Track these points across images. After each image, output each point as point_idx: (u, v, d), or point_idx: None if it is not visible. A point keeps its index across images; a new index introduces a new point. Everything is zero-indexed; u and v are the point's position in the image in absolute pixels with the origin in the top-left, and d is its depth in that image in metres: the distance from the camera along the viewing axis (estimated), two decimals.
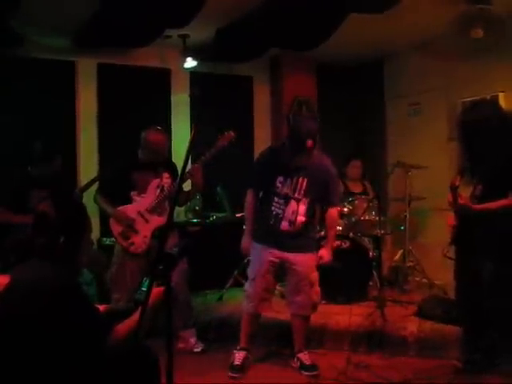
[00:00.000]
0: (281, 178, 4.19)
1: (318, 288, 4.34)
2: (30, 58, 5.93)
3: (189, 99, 6.81)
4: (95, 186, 4.94)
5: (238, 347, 4.37)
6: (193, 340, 4.77)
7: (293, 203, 4.20)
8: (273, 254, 4.23)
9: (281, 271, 4.32)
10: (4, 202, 4.63)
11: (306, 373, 4.30)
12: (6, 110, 5.81)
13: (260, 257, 4.25)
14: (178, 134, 6.72)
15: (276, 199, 4.21)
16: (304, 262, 4.25)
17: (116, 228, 4.55)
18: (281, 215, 4.21)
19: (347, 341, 4.77)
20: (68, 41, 5.85)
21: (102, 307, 2.50)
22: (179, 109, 6.81)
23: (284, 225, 4.21)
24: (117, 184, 4.61)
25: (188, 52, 6.39)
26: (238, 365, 4.27)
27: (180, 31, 5.91)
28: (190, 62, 6.47)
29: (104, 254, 5.31)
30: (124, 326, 2.21)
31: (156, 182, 4.65)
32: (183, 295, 4.61)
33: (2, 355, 2.00)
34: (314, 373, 4.29)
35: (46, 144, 4.83)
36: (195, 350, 4.73)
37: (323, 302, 5.49)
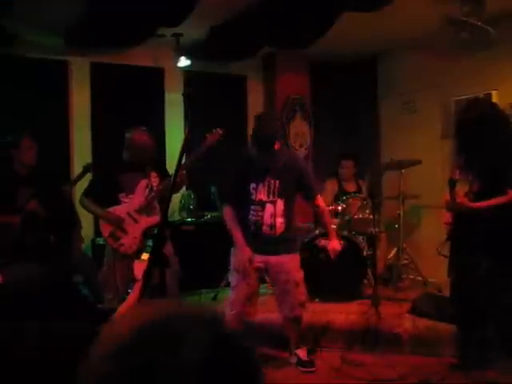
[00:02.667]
0: (253, 185, 4.16)
1: (303, 287, 4.33)
2: (22, 57, 5.90)
3: (182, 98, 6.80)
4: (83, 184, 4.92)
5: None
6: None
7: (269, 207, 4.16)
8: (257, 259, 4.17)
9: (265, 274, 4.31)
10: None
11: (303, 368, 4.33)
12: None
13: (242, 255, 4.18)
14: (172, 132, 6.72)
15: (252, 207, 4.18)
16: (287, 263, 4.24)
17: (106, 229, 4.53)
18: (260, 221, 4.17)
19: (342, 339, 4.77)
20: (60, 40, 5.83)
21: None
22: (173, 108, 6.79)
23: (265, 229, 4.18)
24: (104, 187, 4.59)
25: (181, 51, 6.38)
26: None
27: (173, 30, 5.89)
28: (184, 61, 6.46)
29: (97, 254, 5.30)
30: (122, 311, 2.21)
31: (144, 182, 4.63)
32: (173, 296, 4.58)
33: None
34: (311, 369, 4.32)
35: (12, 132, 4.67)
36: None
37: (317, 300, 5.52)
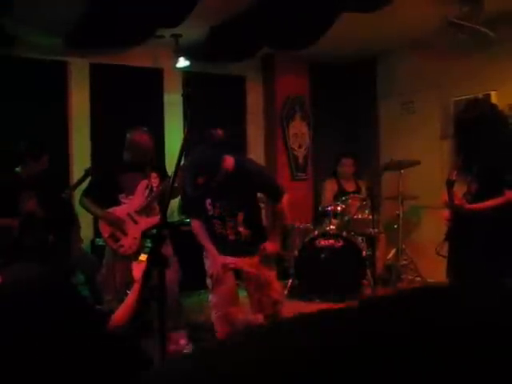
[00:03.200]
0: (209, 201, 4.03)
1: (276, 285, 4.27)
2: (21, 57, 5.90)
3: (181, 99, 6.81)
4: (83, 186, 4.92)
5: None
6: (183, 341, 4.76)
7: (229, 220, 4.07)
8: (227, 259, 4.12)
9: (238, 275, 4.24)
10: None
11: None
12: None
13: (215, 263, 4.12)
14: (171, 133, 6.73)
15: (214, 221, 4.08)
16: (254, 263, 4.17)
17: (105, 230, 4.53)
18: (224, 233, 4.09)
19: None
20: (60, 41, 5.83)
21: None
22: (172, 108, 6.80)
23: (231, 238, 4.10)
24: (104, 188, 4.59)
25: (180, 52, 6.38)
26: None
27: (172, 31, 5.89)
28: (183, 62, 6.46)
29: (97, 255, 5.30)
30: (121, 311, 2.21)
31: (144, 182, 4.63)
32: (173, 296, 4.57)
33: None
34: None
35: (31, 142, 4.70)
36: (185, 351, 4.72)
37: (317, 300, 5.53)
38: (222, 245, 4.13)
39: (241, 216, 4.09)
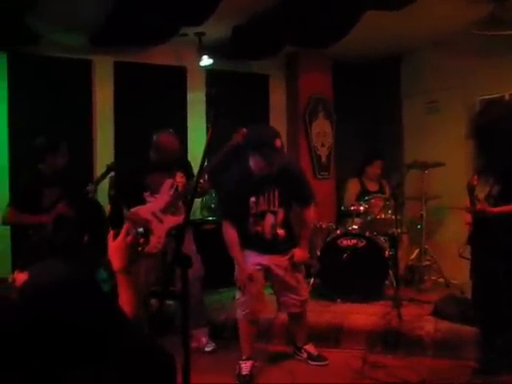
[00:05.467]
0: (253, 199, 4.15)
1: (303, 287, 4.43)
2: (46, 56, 5.95)
3: (205, 97, 6.83)
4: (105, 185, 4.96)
5: (244, 357, 4.31)
6: (204, 339, 4.77)
7: (269, 216, 4.20)
8: (258, 258, 4.22)
9: (267, 274, 4.32)
10: (17, 203, 4.53)
11: (315, 363, 4.43)
12: (22, 109, 5.85)
13: (247, 262, 4.21)
14: (194, 131, 6.74)
15: (251, 219, 4.19)
16: (283, 265, 4.28)
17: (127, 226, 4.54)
18: (261, 231, 4.21)
19: (363, 340, 4.75)
20: (84, 39, 5.88)
21: None
22: (195, 107, 6.81)
23: (267, 238, 4.22)
24: (130, 186, 4.62)
25: (204, 50, 6.39)
26: (246, 374, 4.22)
27: (196, 29, 5.91)
28: (206, 60, 6.46)
29: None
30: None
31: (170, 181, 4.65)
32: (195, 294, 4.59)
33: (22, 350, 2.01)
34: (324, 363, 4.42)
35: (48, 136, 4.66)
36: (206, 349, 4.73)
37: (338, 301, 5.50)
38: (256, 243, 4.21)
39: (281, 213, 4.22)
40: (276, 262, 4.25)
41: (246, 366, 4.26)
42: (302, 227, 4.39)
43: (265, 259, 4.23)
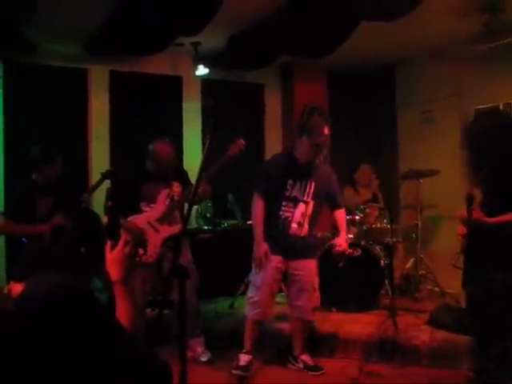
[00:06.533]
0: (291, 181, 4.28)
1: (318, 293, 4.50)
2: (42, 65, 5.97)
3: (200, 107, 6.85)
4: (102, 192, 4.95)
5: (244, 350, 4.40)
6: (200, 349, 4.76)
7: (301, 205, 4.30)
8: (278, 261, 4.30)
9: (283, 277, 4.40)
10: (11, 213, 4.51)
11: (312, 373, 4.42)
12: (19, 117, 5.84)
13: (259, 249, 4.28)
14: (190, 140, 6.76)
15: (284, 203, 4.29)
16: (306, 268, 4.38)
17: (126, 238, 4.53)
18: (290, 218, 4.29)
19: (359, 350, 4.74)
20: (80, 48, 5.89)
21: None
22: (191, 116, 6.83)
23: (293, 227, 4.30)
24: (126, 195, 4.62)
25: (200, 59, 6.41)
26: (243, 365, 4.31)
27: (192, 39, 5.92)
28: (202, 70, 6.48)
29: None
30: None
31: (166, 191, 4.64)
32: (191, 303, 4.58)
33: (18, 362, 2.00)
34: (320, 372, 4.41)
35: (44, 147, 4.68)
36: (202, 359, 4.71)
37: (334, 310, 5.50)
38: (279, 241, 4.28)
39: (311, 205, 4.33)
40: (295, 266, 4.32)
41: (244, 358, 4.34)
42: (338, 224, 4.55)
43: (283, 262, 4.31)
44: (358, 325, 5.07)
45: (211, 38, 5.88)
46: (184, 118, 6.87)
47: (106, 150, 6.41)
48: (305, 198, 4.30)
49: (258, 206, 4.33)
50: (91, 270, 2.28)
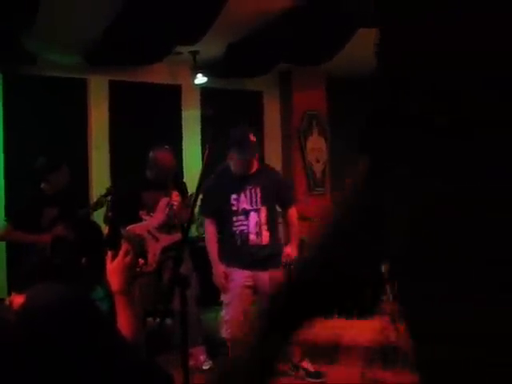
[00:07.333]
0: (234, 196, 4.17)
1: None
2: (42, 76, 5.98)
3: (199, 115, 6.86)
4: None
5: None
6: (202, 357, 4.74)
7: (253, 215, 4.19)
8: (247, 276, 4.16)
9: (254, 290, 4.25)
10: (16, 221, 4.51)
11: (314, 380, 4.37)
12: (18, 128, 5.86)
13: (233, 280, 4.17)
14: (189, 149, 6.77)
15: (235, 218, 4.17)
16: (276, 278, 4.16)
17: (126, 248, 4.53)
18: (246, 230, 4.17)
19: (361, 356, 4.73)
20: (80, 58, 5.92)
21: None
22: (190, 125, 6.85)
23: (252, 238, 4.18)
24: (126, 204, 4.63)
25: (198, 68, 6.43)
26: None
27: (191, 48, 5.95)
28: (201, 78, 6.50)
29: None
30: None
31: (165, 200, 4.65)
32: (192, 312, 4.56)
33: (20, 372, 2.01)
34: (322, 379, 4.37)
35: (49, 156, 4.75)
36: (204, 367, 4.70)
37: (335, 316, 5.49)
38: (240, 254, 4.17)
39: (264, 211, 4.20)
40: (263, 280, 4.18)
41: None
42: (289, 227, 4.43)
43: (250, 276, 4.17)
44: (360, 331, 5.06)
45: (209, 47, 5.90)
46: (183, 127, 6.88)
47: (105, 159, 6.42)
48: (254, 207, 4.19)
49: (208, 230, 4.26)
50: (92, 280, 2.28)
